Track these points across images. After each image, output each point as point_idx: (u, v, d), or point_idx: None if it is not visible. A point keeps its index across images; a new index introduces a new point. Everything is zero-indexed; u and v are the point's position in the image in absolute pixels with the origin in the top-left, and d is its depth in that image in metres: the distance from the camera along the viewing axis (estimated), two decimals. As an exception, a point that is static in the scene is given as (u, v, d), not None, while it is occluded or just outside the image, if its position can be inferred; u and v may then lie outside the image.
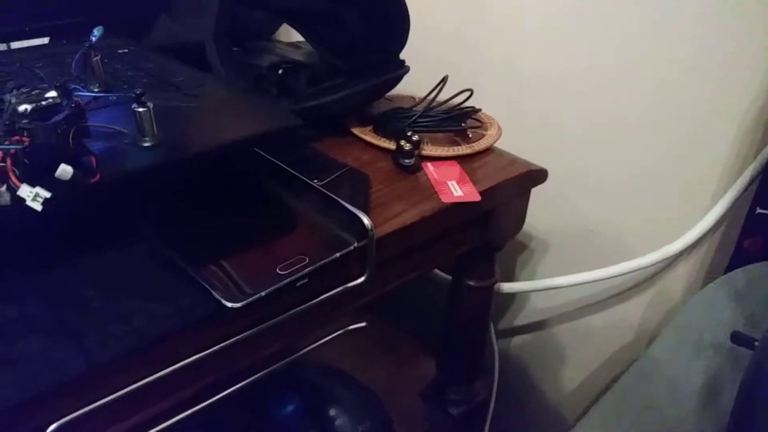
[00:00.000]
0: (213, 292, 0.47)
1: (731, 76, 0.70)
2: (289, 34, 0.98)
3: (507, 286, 0.91)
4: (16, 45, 0.73)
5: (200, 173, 0.51)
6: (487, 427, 0.90)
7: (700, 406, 0.44)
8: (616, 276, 0.82)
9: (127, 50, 0.68)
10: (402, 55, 0.76)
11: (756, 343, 0.42)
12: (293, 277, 0.50)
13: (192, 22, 0.83)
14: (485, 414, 0.90)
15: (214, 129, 0.55)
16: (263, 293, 0.48)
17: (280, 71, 0.78)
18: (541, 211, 0.89)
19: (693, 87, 0.73)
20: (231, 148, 0.50)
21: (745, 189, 0.71)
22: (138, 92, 0.45)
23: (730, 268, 0.68)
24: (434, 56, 0.94)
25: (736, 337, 0.45)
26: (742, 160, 0.72)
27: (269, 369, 0.58)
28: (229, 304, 0.47)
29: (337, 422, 0.78)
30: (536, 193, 0.74)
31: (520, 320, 1.03)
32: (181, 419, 0.53)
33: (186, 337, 0.47)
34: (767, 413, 0.35)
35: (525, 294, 0.99)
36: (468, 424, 0.86)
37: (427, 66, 0.78)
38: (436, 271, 0.93)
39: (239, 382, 0.57)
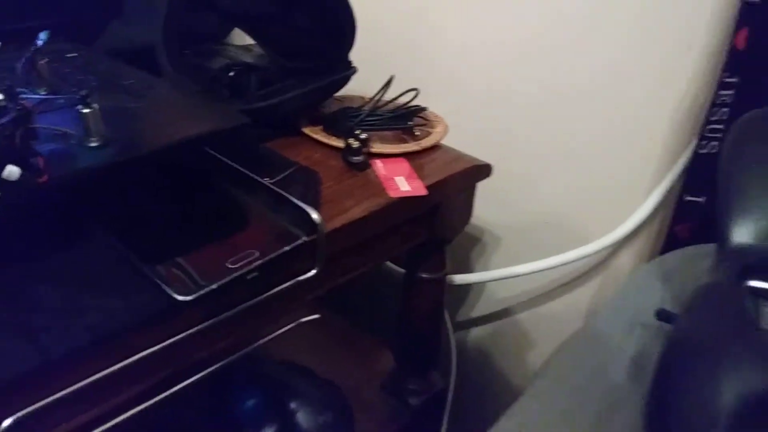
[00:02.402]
0: (164, 286, 0.48)
1: (660, 77, 0.74)
2: (242, 38, 0.99)
3: (459, 278, 0.94)
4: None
5: (149, 172, 0.52)
6: (446, 416, 0.93)
7: (629, 379, 0.46)
8: (560, 265, 0.86)
9: (76, 54, 0.69)
10: (352, 57, 0.78)
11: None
12: (243, 271, 0.52)
13: (143, 25, 0.83)
14: (444, 403, 0.92)
15: (161, 129, 0.56)
16: (214, 286, 0.50)
17: (231, 73, 0.79)
18: (491, 204, 0.92)
19: (627, 86, 0.77)
20: (178, 148, 0.52)
21: (678, 178, 0.75)
22: (83, 94, 0.46)
23: (664, 253, 0.72)
24: (382, 57, 0.96)
25: (661, 315, 0.48)
26: (674, 152, 0.76)
27: (225, 361, 0.59)
28: (180, 298, 0.48)
29: (298, 415, 0.80)
30: (486, 187, 0.77)
31: (478, 311, 1.06)
32: (140, 412, 0.54)
33: (139, 332, 0.48)
34: (679, 384, 0.38)
35: (482, 285, 1.02)
36: (427, 413, 0.89)
37: (376, 67, 0.80)
38: (390, 264, 0.96)
39: (196, 376, 0.58)
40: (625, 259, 0.86)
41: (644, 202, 0.78)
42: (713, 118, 0.65)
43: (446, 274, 0.81)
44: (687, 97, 0.73)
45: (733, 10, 0.63)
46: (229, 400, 0.81)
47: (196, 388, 0.60)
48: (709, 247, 0.50)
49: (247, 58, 0.84)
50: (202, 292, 0.49)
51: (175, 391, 0.57)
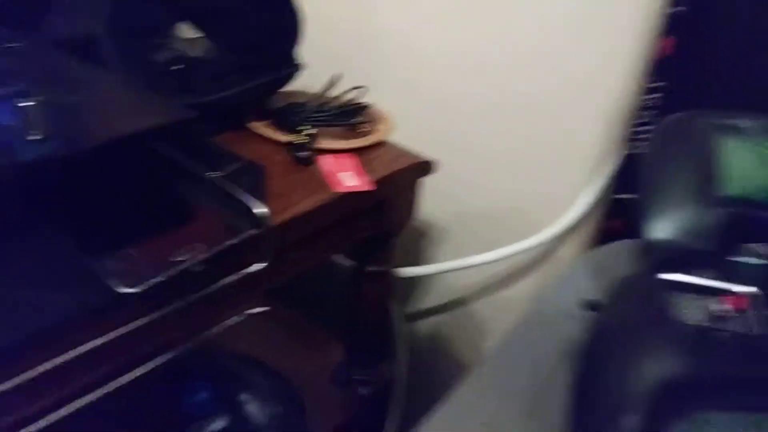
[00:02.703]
0: (107, 279, 0.49)
1: (593, 83, 0.78)
2: (190, 31, 0.99)
3: (407, 271, 0.96)
4: None
5: (93, 166, 0.52)
6: (396, 406, 0.95)
7: (559, 366, 0.49)
8: (503, 258, 0.89)
9: (17, 44, 0.67)
10: (305, 54, 0.79)
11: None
12: (189, 264, 0.52)
13: (88, 17, 0.82)
14: (394, 393, 0.94)
15: (105, 123, 0.56)
16: (158, 279, 0.50)
17: (177, 67, 0.79)
18: (437, 199, 0.95)
19: (563, 91, 0.81)
20: (121, 142, 0.52)
21: (611, 176, 0.79)
22: (24, 86, 0.46)
23: (599, 246, 0.76)
24: (335, 54, 0.98)
25: (588, 305, 0.51)
26: (607, 152, 0.80)
27: (174, 353, 0.60)
28: (124, 290, 0.49)
29: (248, 406, 0.80)
30: (432, 183, 0.79)
31: (428, 303, 1.09)
32: (88, 405, 0.54)
33: (82, 325, 0.48)
34: (602, 369, 0.40)
35: (431, 277, 1.05)
36: (376, 403, 0.91)
37: (328, 64, 0.81)
38: (340, 258, 0.97)
39: (142, 368, 0.59)
40: (568, 251, 0.90)
41: (579, 199, 0.82)
42: (642, 121, 0.68)
43: (393, 267, 0.83)
44: (618, 101, 0.76)
45: (658, 20, 0.66)
46: (180, 393, 0.81)
47: (147, 381, 0.60)
48: (633, 243, 0.53)
49: (195, 52, 0.84)
50: (146, 284, 0.49)
51: (125, 384, 0.57)
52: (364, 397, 0.89)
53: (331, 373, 0.92)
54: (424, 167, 0.77)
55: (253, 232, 0.57)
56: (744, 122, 0.49)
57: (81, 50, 0.70)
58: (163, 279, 0.50)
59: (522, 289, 0.96)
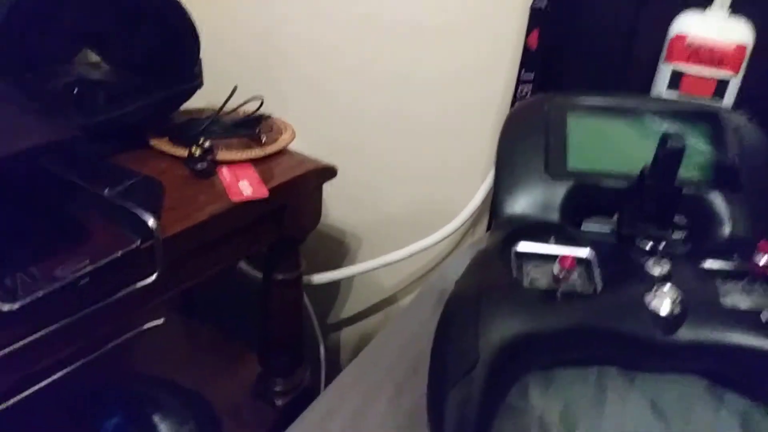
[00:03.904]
0: (-12, 298, 0.48)
1: (480, 81, 0.83)
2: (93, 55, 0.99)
3: (317, 277, 0.97)
4: None
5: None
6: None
7: (427, 344, 0.51)
8: (409, 256, 0.92)
9: None
10: (205, 70, 0.80)
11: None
12: (72, 277, 0.53)
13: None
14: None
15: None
16: (40, 293, 0.50)
17: (74, 90, 0.80)
18: (344, 205, 0.97)
19: (455, 91, 0.85)
20: (5, 162, 0.52)
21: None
22: None
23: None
24: (236, 70, 0.99)
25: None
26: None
27: (68, 369, 0.60)
28: (5, 307, 0.49)
29: (161, 427, 0.80)
30: (337, 189, 0.81)
31: (346, 308, 1.11)
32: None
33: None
34: (448, 334, 0.42)
35: (346, 281, 1.07)
36: (295, 412, 0.91)
37: (228, 79, 0.83)
38: (250, 269, 0.98)
39: (33, 387, 0.58)
40: (471, 241, 0.94)
41: (475, 196, 0.86)
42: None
43: (302, 274, 0.84)
44: (504, 96, 0.81)
45: (525, 14, 0.71)
46: (92, 418, 0.80)
47: (58, 406, 0.60)
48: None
49: (94, 75, 0.84)
50: (27, 299, 0.50)
51: (32, 408, 0.57)
52: (281, 407, 0.89)
53: (247, 385, 0.92)
54: (325, 172, 0.79)
55: (140, 244, 0.58)
56: (590, 100, 0.53)
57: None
58: (44, 293, 0.51)
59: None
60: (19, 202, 0.61)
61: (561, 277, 0.41)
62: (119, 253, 0.56)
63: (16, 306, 0.49)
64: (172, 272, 0.62)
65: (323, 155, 0.80)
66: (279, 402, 0.89)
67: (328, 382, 1.01)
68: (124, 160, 0.74)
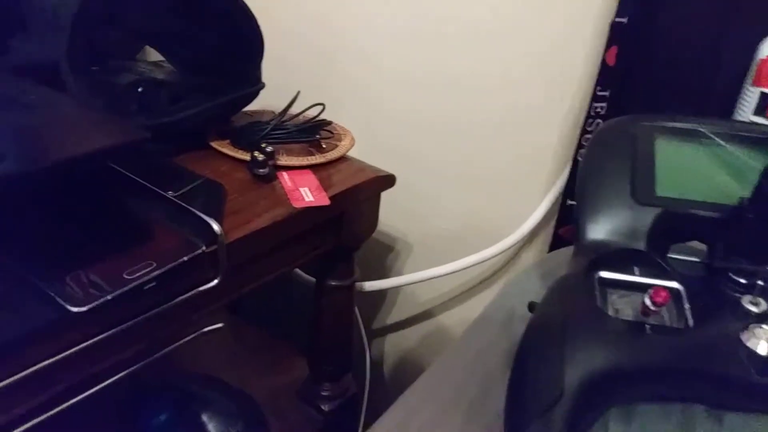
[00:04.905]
0: (57, 298, 0.49)
1: (549, 95, 0.80)
2: (155, 54, 1.00)
3: (369, 285, 0.97)
4: None
5: (46, 185, 0.53)
6: (361, 420, 0.95)
7: (501, 367, 0.50)
8: (463, 269, 0.91)
9: (-26, 70, 0.68)
10: (264, 71, 0.80)
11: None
12: (140, 281, 0.53)
13: (48, 40, 0.83)
14: (358, 407, 0.95)
15: (60, 144, 0.57)
16: (108, 297, 0.51)
17: (139, 89, 0.80)
18: (399, 214, 0.96)
19: (521, 105, 0.83)
20: (71, 163, 0.53)
21: (564, 184, 0.81)
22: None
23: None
24: (296, 72, 1.00)
25: (531, 307, 0.53)
26: (562, 160, 0.82)
27: (127, 371, 0.60)
28: (74, 309, 0.49)
29: (210, 426, 0.80)
30: (393, 198, 0.80)
31: (393, 316, 1.10)
32: (42, 427, 0.54)
33: (33, 344, 0.48)
34: (532, 365, 0.41)
35: (394, 290, 1.06)
36: (340, 418, 0.91)
37: (289, 81, 0.83)
38: (302, 273, 0.98)
39: (95, 388, 0.59)
40: (526, 259, 0.92)
41: (536, 210, 0.84)
42: (589, 129, 0.71)
43: (355, 281, 0.84)
44: (571, 111, 0.79)
45: (604, 30, 0.69)
46: (140, 415, 0.81)
47: (106, 402, 0.60)
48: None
49: (157, 74, 0.85)
50: (95, 303, 0.50)
51: (83, 405, 0.57)
52: (328, 412, 0.89)
53: (295, 389, 0.92)
54: (384, 181, 0.78)
55: (206, 248, 0.58)
56: (678, 124, 0.51)
57: (41, 75, 0.70)
58: (113, 297, 0.51)
59: (483, 300, 0.98)
60: (84, 200, 0.62)
61: (651, 309, 0.40)
62: (186, 258, 0.56)
63: (84, 309, 0.50)
64: (232, 277, 0.62)
65: (377, 162, 0.80)
66: (325, 407, 0.89)
67: (372, 389, 1.01)
68: (184, 161, 0.75)
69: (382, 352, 1.12)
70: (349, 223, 0.77)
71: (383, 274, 1.00)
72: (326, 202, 0.69)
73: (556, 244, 0.79)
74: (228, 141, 0.78)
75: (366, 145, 0.83)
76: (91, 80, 0.77)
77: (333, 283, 0.82)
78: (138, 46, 1.00)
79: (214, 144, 0.78)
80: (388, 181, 0.79)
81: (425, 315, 1.05)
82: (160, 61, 0.92)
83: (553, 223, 0.86)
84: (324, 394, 0.90)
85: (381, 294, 1.06)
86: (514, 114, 0.84)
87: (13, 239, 0.54)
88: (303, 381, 0.93)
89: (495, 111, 0.86)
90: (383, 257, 1.04)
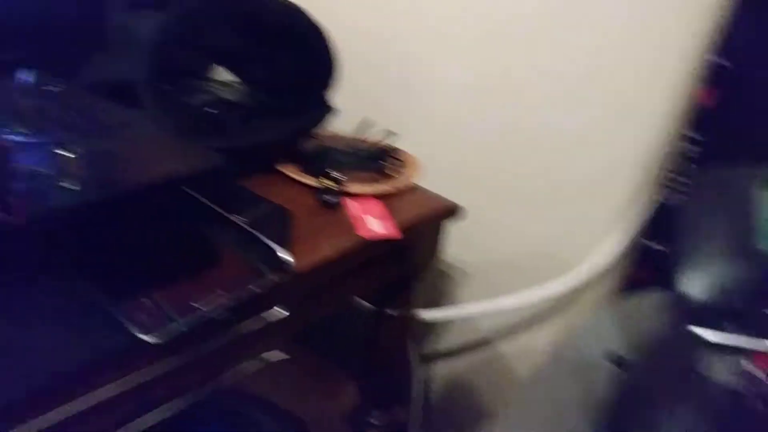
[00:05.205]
0: (128, 325, 0.49)
1: (627, 131, 0.78)
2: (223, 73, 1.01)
3: (427, 314, 0.95)
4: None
5: (119, 211, 0.53)
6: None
7: (580, 417, 0.48)
8: (525, 305, 0.88)
9: (56, 88, 0.70)
10: (337, 96, 0.80)
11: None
12: (211, 312, 0.53)
13: (126, 60, 0.85)
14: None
15: (137, 170, 0.57)
16: (184, 329, 0.50)
17: (212, 110, 0.81)
18: (462, 241, 0.94)
19: (595, 137, 0.81)
20: (150, 190, 0.53)
21: (638, 225, 0.78)
22: (62, 136, 0.47)
23: (622, 294, 0.75)
24: (366, 97, 0.99)
25: (613, 358, 0.51)
26: (634, 200, 0.79)
27: (191, 398, 0.60)
28: (146, 338, 0.49)
29: (261, 448, 0.80)
30: (457, 224, 0.79)
31: (445, 345, 1.08)
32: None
33: (102, 370, 0.49)
34: (626, 426, 0.40)
35: (449, 320, 1.04)
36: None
37: (359, 106, 0.82)
38: (358, 300, 0.97)
39: (160, 413, 0.59)
40: (592, 297, 0.89)
41: (606, 245, 0.81)
42: (678, 170, 0.68)
43: (412, 310, 0.83)
44: (651, 146, 0.76)
45: (698, 71, 0.65)
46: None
47: (159, 425, 0.60)
48: (663, 294, 0.52)
49: (229, 95, 0.85)
50: (167, 334, 0.50)
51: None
52: (378, 440, 0.88)
53: (346, 415, 0.91)
54: (450, 212, 0.77)
55: (276, 278, 0.58)
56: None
57: (119, 93, 0.72)
58: (184, 329, 0.51)
59: (544, 335, 0.95)
60: (152, 225, 0.62)
61: (753, 377, 0.37)
62: (258, 289, 0.56)
63: (157, 338, 0.49)
64: (299, 307, 0.62)
65: (438, 185, 0.78)
66: (376, 435, 0.88)
67: (424, 419, 0.99)
68: (251, 185, 0.74)
69: (433, 381, 1.10)
70: (414, 253, 0.75)
71: (439, 302, 0.98)
72: (398, 235, 0.68)
73: (628, 285, 0.76)
74: (296, 165, 0.77)
75: (430, 169, 0.82)
76: (165, 101, 0.78)
77: (391, 312, 0.81)
78: (208, 65, 1.01)
79: (282, 168, 0.77)
80: (456, 212, 0.77)
81: (480, 344, 1.03)
82: (230, 81, 0.93)
83: (622, 262, 0.83)
84: (372, 421, 0.89)
85: (437, 322, 1.05)
86: (588, 142, 0.82)
87: (86, 265, 0.54)
88: (353, 407, 0.92)
89: (568, 136, 0.83)
90: (440, 285, 1.03)
